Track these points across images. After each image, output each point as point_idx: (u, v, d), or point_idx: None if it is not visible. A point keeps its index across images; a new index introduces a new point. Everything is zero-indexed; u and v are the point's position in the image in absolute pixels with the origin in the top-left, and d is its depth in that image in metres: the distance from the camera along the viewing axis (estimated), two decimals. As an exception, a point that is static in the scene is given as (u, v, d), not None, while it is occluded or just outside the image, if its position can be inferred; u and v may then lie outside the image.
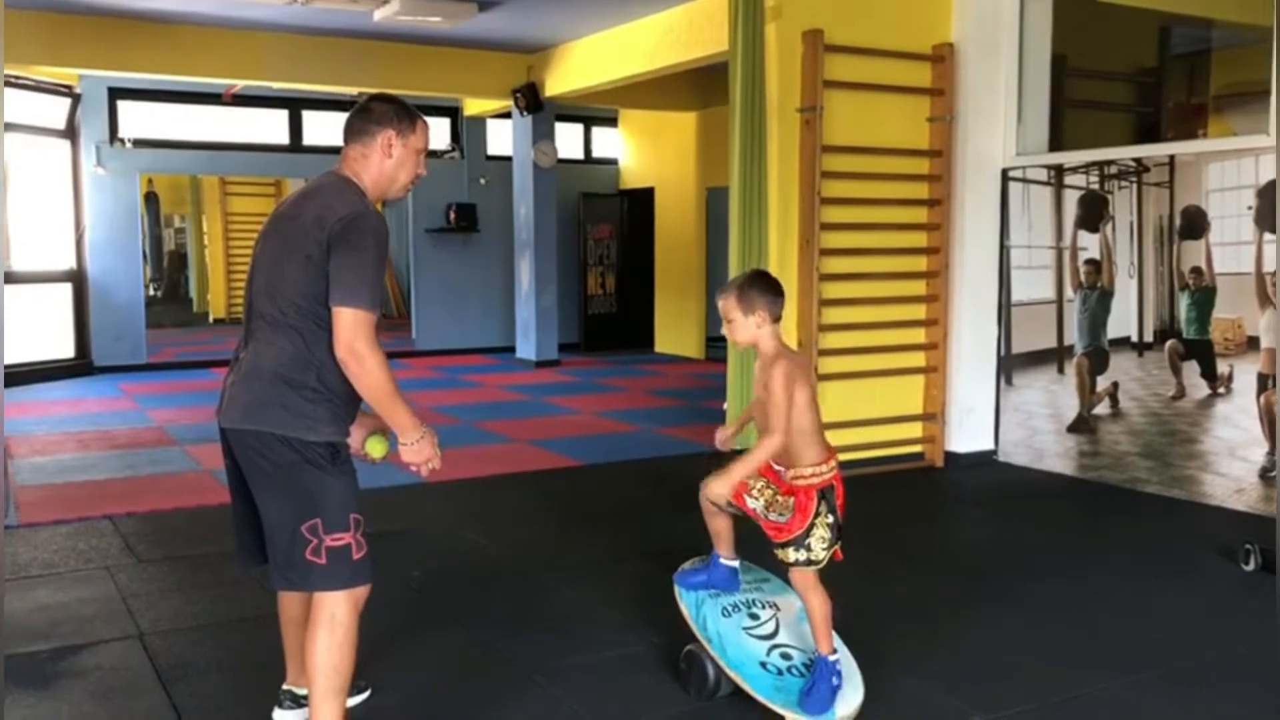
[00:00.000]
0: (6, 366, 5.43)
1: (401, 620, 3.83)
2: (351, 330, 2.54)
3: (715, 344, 11.94)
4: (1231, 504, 5.41)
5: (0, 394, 4.96)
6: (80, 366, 10.58)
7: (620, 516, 5.48)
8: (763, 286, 3.07)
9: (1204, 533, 5.05)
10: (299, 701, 3.01)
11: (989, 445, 6.60)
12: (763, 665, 3.10)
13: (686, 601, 3.27)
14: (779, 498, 3.07)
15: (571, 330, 12.79)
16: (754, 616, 3.22)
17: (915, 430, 6.57)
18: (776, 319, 3.06)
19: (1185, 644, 3.72)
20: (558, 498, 5.89)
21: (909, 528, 5.35)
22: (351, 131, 2.77)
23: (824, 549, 2.99)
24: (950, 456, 6.55)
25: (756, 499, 3.10)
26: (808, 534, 2.97)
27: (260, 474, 2.65)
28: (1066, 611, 4.03)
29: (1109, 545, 4.94)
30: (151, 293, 14.45)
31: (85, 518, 5.25)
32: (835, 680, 3.01)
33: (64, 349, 10.51)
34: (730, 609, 3.23)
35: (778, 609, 3.27)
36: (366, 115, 2.76)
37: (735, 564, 3.30)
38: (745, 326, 3.05)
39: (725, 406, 6.51)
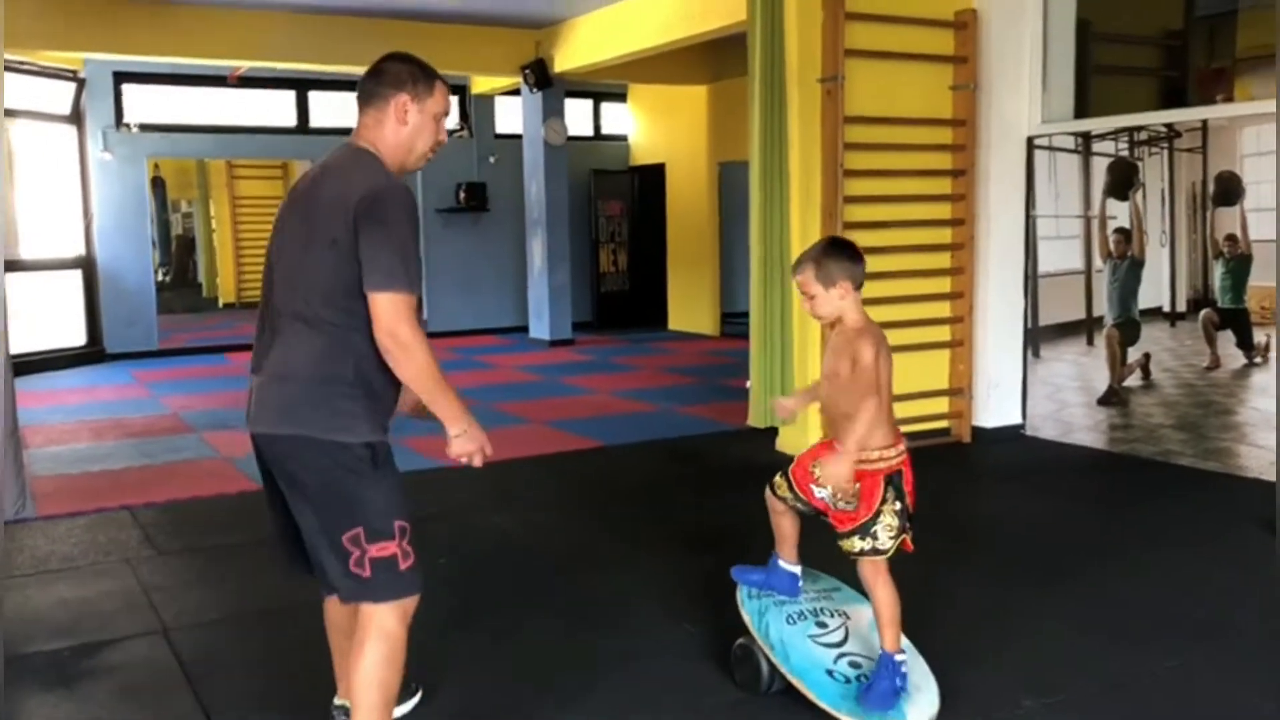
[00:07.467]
0: (19, 355, 5.36)
1: (431, 609, 3.74)
2: (392, 315, 2.33)
3: (730, 320, 11.83)
4: (1268, 476, 5.27)
5: (10, 383, 4.86)
6: (92, 354, 10.53)
7: (646, 498, 5.40)
8: (840, 255, 2.88)
9: (1241, 506, 4.94)
10: None
11: (1017, 419, 6.49)
12: (829, 673, 2.91)
13: (749, 609, 3.08)
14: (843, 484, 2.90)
15: (584, 308, 12.70)
16: (821, 625, 3.03)
17: (941, 405, 6.45)
18: (859, 286, 2.88)
19: (1229, 620, 3.63)
20: (581, 480, 5.80)
21: (938, 505, 5.22)
22: (364, 96, 2.54)
23: (890, 538, 2.82)
24: (977, 431, 6.44)
25: (824, 487, 2.92)
26: (874, 521, 2.81)
27: (295, 483, 2.45)
28: (1106, 589, 3.93)
29: (1144, 520, 4.84)
30: (161, 278, 14.38)
31: (103, 509, 5.17)
32: (899, 681, 2.82)
33: (75, 336, 10.47)
34: (795, 617, 3.03)
35: (847, 617, 3.07)
36: (379, 78, 2.54)
37: (796, 570, 3.10)
38: (828, 300, 2.87)
39: (748, 385, 6.41)
